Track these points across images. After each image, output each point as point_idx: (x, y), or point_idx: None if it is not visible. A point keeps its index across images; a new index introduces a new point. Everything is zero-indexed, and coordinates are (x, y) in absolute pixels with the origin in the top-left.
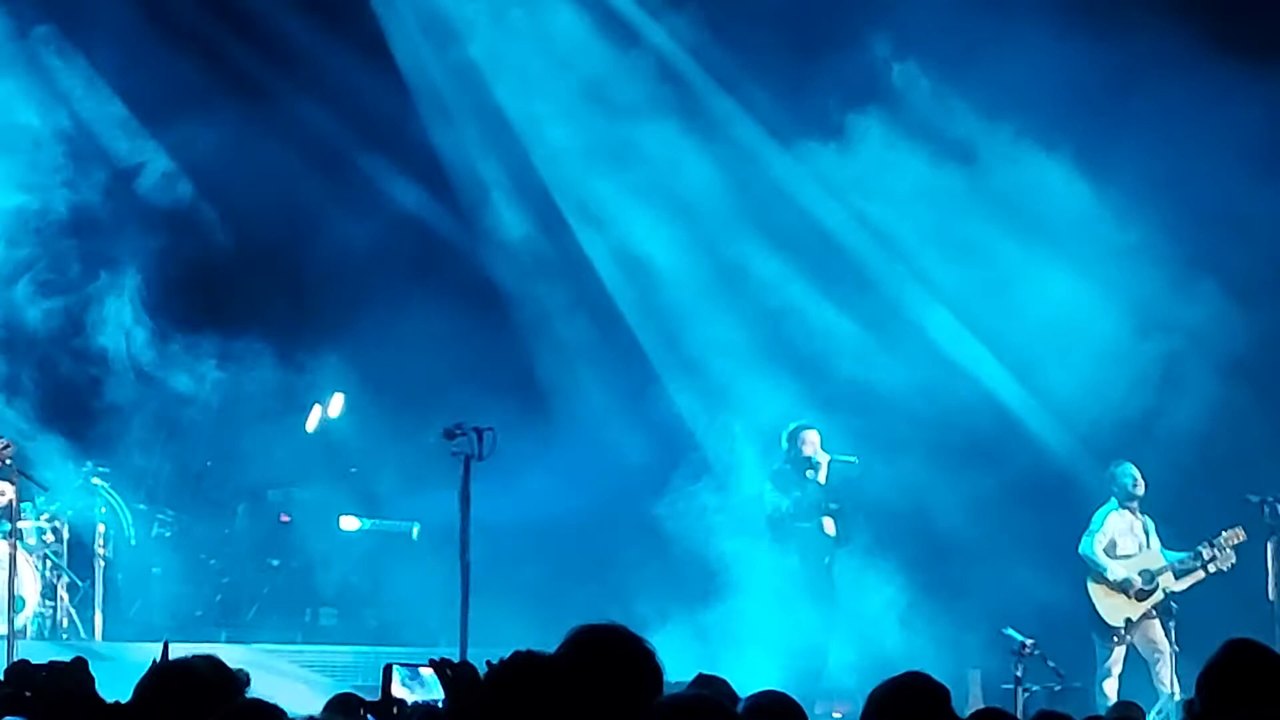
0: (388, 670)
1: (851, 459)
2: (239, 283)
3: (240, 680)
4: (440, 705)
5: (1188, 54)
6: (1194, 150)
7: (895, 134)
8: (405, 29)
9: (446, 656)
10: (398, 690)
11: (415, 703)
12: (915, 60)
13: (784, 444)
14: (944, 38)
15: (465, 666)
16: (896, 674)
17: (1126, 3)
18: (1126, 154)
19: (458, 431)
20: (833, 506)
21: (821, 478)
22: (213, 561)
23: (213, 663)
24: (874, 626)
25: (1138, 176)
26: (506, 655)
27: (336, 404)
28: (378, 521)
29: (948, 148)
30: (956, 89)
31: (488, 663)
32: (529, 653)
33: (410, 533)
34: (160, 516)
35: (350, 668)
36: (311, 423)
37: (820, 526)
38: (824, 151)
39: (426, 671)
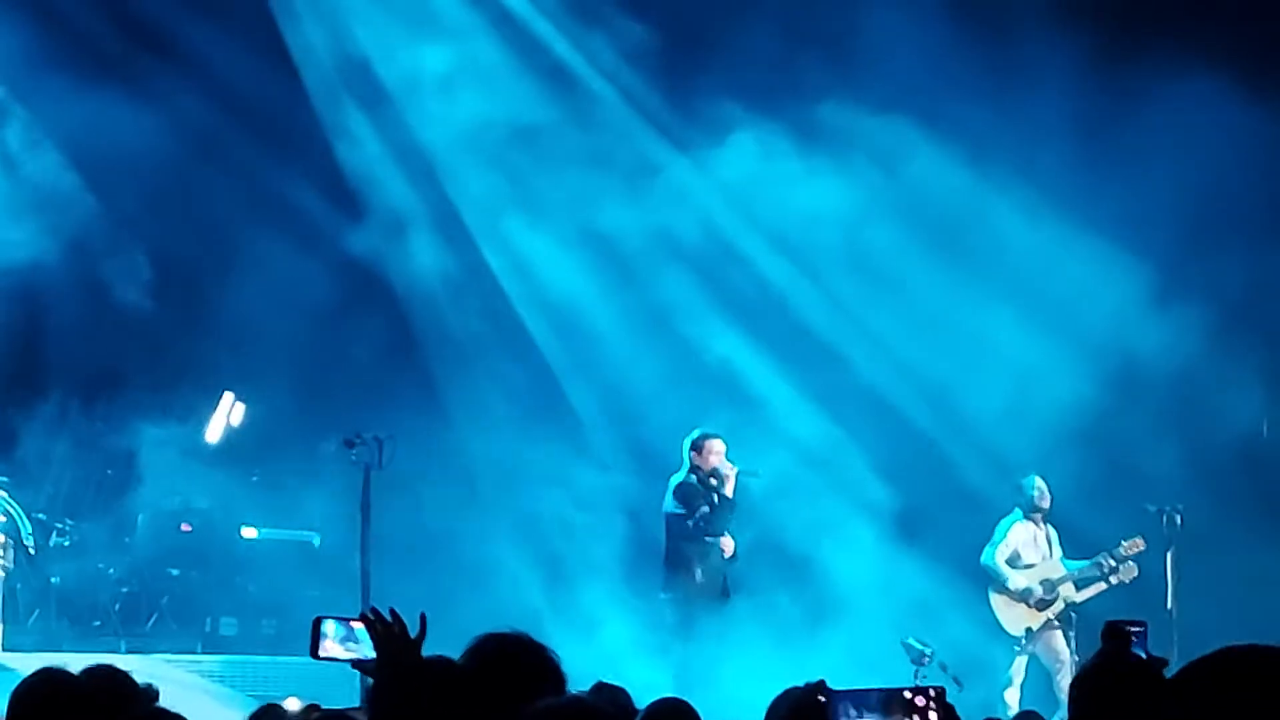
0: (317, 624)
1: (755, 472)
2: (135, 292)
3: (149, 695)
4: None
5: (1137, 80)
6: (1126, 178)
7: (821, 156)
8: (311, 44)
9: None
10: (331, 649)
11: (352, 660)
12: (847, 81)
13: (687, 453)
14: (874, 59)
15: (395, 621)
16: (794, 685)
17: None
18: (1067, 182)
19: (357, 440)
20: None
21: (729, 490)
22: (111, 571)
23: (108, 674)
24: (773, 637)
25: (1069, 202)
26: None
27: (237, 412)
28: (277, 530)
29: (871, 166)
30: (882, 108)
31: (421, 616)
32: (435, 658)
33: (311, 542)
34: (59, 525)
35: (250, 677)
36: (214, 433)
37: (721, 541)
38: (737, 169)
39: (358, 625)
